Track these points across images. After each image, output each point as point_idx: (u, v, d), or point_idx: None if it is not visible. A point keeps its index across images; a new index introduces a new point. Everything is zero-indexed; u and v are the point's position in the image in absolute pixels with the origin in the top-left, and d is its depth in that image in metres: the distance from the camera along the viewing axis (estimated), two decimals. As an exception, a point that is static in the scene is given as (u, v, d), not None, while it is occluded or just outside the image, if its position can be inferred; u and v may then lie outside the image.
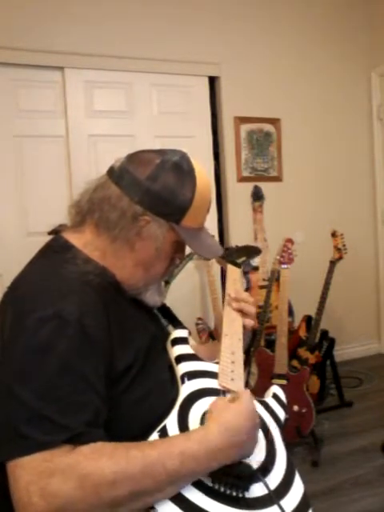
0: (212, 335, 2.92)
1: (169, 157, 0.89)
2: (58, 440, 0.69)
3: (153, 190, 0.85)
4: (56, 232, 0.95)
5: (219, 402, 0.80)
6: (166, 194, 0.86)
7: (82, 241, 0.90)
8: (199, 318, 3.00)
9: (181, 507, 0.71)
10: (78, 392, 0.73)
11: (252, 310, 1.03)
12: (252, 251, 1.30)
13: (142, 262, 0.89)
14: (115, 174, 0.89)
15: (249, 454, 0.78)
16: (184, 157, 0.91)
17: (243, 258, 1.21)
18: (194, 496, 0.73)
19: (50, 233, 0.96)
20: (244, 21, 3.27)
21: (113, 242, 0.87)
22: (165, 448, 0.72)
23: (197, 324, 2.95)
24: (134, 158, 0.90)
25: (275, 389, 0.99)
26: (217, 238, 3.20)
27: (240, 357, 0.94)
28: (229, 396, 0.83)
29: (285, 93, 3.40)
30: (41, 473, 0.67)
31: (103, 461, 0.69)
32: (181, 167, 0.88)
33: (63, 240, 0.91)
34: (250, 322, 1.02)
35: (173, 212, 0.87)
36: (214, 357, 0.99)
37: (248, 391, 0.83)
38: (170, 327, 1.03)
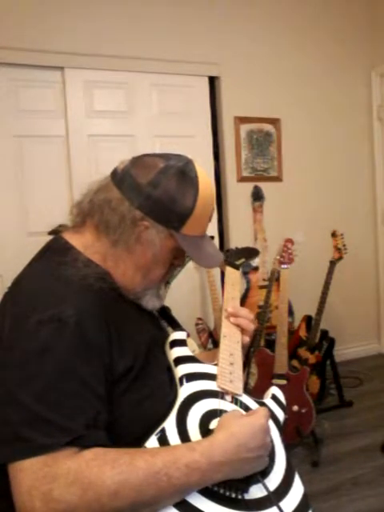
0: (212, 335, 2.92)
1: (173, 162, 0.87)
2: (59, 443, 0.69)
3: (153, 195, 0.85)
4: (56, 232, 0.94)
5: (232, 415, 0.79)
6: (166, 200, 0.85)
7: (82, 242, 0.89)
8: (199, 318, 3.00)
9: (179, 509, 0.71)
10: (78, 394, 0.73)
11: (250, 327, 1.01)
12: (251, 253, 1.30)
13: (141, 266, 0.89)
14: (118, 177, 0.88)
15: (256, 469, 0.77)
16: (189, 163, 0.89)
17: (242, 260, 1.20)
18: (193, 498, 0.73)
19: (50, 233, 0.96)
20: (244, 21, 3.27)
21: (112, 246, 0.87)
22: (169, 458, 0.71)
23: (197, 324, 2.95)
24: (138, 161, 0.89)
25: (274, 390, 0.98)
26: (217, 238, 3.20)
27: (239, 358, 0.94)
28: (243, 411, 0.81)
29: (285, 93, 3.40)
30: (43, 477, 0.67)
31: (106, 469, 0.68)
32: (184, 174, 0.87)
33: (63, 241, 0.90)
34: (246, 339, 1.00)
35: (172, 219, 0.86)
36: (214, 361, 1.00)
37: (265, 408, 0.81)
38: (169, 329, 1.03)
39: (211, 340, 2.91)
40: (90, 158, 2.90)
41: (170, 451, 0.74)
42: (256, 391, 2.37)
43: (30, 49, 2.70)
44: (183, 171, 0.87)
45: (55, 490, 0.66)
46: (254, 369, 2.51)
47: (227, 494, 0.75)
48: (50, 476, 0.67)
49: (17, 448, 0.68)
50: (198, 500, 0.72)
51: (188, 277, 3.07)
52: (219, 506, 0.73)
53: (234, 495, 0.75)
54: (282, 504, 0.77)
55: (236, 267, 1.16)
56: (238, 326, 1.01)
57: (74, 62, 2.82)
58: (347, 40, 3.62)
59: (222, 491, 0.74)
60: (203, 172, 0.91)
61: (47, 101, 2.81)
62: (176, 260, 0.94)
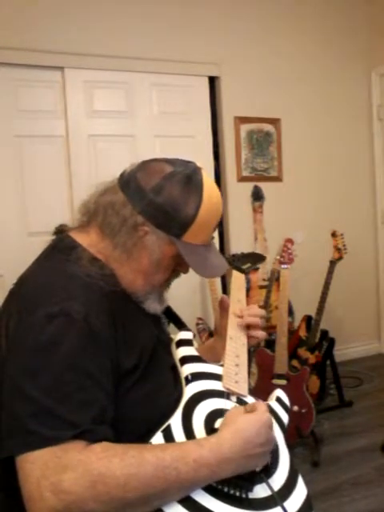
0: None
1: (179, 169, 0.87)
2: (65, 436, 0.69)
3: (155, 201, 0.84)
4: (61, 232, 0.95)
5: (236, 412, 0.80)
6: (167, 207, 0.84)
7: (88, 241, 0.90)
8: (199, 318, 3.00)
9: (185, 507, 0.71)
10: (85, 389, 0.73)
11: (258, 322, 1.01)
12: (257, 258, 1.30)
13: (141, 271, 0.89)
14: (123, 180, 0.89)
15: (261, 464, 0.78)
16: (195, 171, 0.89)
17: (248, 265, 1.20)
18: (199, 496, 0.73)
19: (55, 233, 0.96)
20: (244, 21, 3.27)
21: (114, 249, 0.87)
22: (178, 453, 0.72)
23: (197, 324, 2.96)
24: (145, 165, 0.89)
25: (279, 392, 0.99)
26: (217, 238, 3.20)
27: (244, 360, 0.95)
28: (245, 406, 0.82)
29: (285, 93, 3.40)
30: (53, 468, 0.67)
31: (116, 461, 0.69)
32: (189, 181, 0.86)
33: (69, 240, 0.91)
34: (259, 333, 1.01)
35: (173, 226, 0.86)
36: (213, 355, 1.00)
37: (264, 403, 0.82)
38: (172, 329, 1.03)
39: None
40: (90, 157, 2.90)
41: (178, 447, 0.75)
42: (256, 391, 2.37)
43: (30, 49, 2.70)
44: (189, 178, 0.87)
45: (65, 481, 0.66)
46: (254, 368, 2.51)
47: (232, 492, 0.75)
48: (59, 467, 0.67)
49: (23, 440, 0.69)
50: (203, 498, 0.73)
51: (188, 277, 3.05)
52: (224, 504, 0.73)
53: (238, 494, 0.75)
54: (285, 504, 0.78)
55: (242, 271, 1.16)
56: (247, 324, 1.01)
57: (74, 62, 2.82)
58: (347, 40, 3.62)
59: (226, 490, 0.75)
60: (210, 180, 0.91)
61: (47, 101, 2.81)
62: (179, 267, 0.94)
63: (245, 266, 1.18)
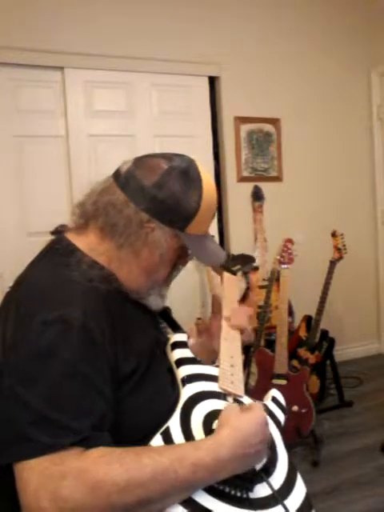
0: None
1: (176, 163, 0.88)
2: (64, 443, 0.69)
3: (159, 197, 0.85)
4: (58, 232, 0.94)
5: (231, 411, 0.79)
6: (171, 202, 0.85)
7: (87, 244, 0.89)
8: (199, 318, 2.99)
9: (185, 507, 0.71)
10: (83, 395, 0.73)
11: (247, 326, 1.03)
12: (246, 260, 1.32)
13: (146, 268, 0.89)
14: (121, 179, 0.88)
15: (257, 462, 0.78)
16: (192, 164, 0.90)
17: (238, 267, 1.22)
18: (199, 496, 0.73)
19: (52, 233, 0.95)
20: (244, 21, 3.27)
21: (119, 249, 0.87)
22: (176, 457, 0.71)
23: (197, 324, 2.95)
24: (141, 163, 0.89)
25: (274, 392, 0.99)
26: (217, 237, 3.20)
27: (239, 360, 0.95)
28: (239, 406, 0.82)
29: (285, 93, 3.40)
30: (50, 476, 0.66)
31: (114, 467, 0.68)
32: (188, 174, 0.88)
33: (67, 242, 0.90)
34: (246, 338, 1.02)
35: (178, 220, 0.87)
36: (208, 353, 1.00)
37: (259, 403, 0.82)
38: (170, 331, 1.04)
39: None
40: (90, 157, 2.90)
41: (176, 450, 0.74)
42: (256, 391, 2.37)
43: (30, 49, 2.70)
44: (187, 172, 0.88)
45: (63, 489, 0.65)
46: (254, 369, 2.51)
47: (232, 492, 0.75)
48: (57, 475, 0.66)
49: (22, 448, 0.68)
50: (204, 498, 0.73)
51: (188, 277, 3.07)
52: (225, 504, 0.73)
53: (239, 494, 0.75)
54: (286, 503, 0.78)
55: (233, 272, 1.18)
56: (237, 327, 1.01)
57: (74, 62, 2.82)
58: (347, 40, 3.62)
59: (227, 490, 0.75)
60: (206, 172, 0.92)
61: (47, 101, 2.81)
62: (180, 260, 0.95)
63: (235, 268, 1.20)
